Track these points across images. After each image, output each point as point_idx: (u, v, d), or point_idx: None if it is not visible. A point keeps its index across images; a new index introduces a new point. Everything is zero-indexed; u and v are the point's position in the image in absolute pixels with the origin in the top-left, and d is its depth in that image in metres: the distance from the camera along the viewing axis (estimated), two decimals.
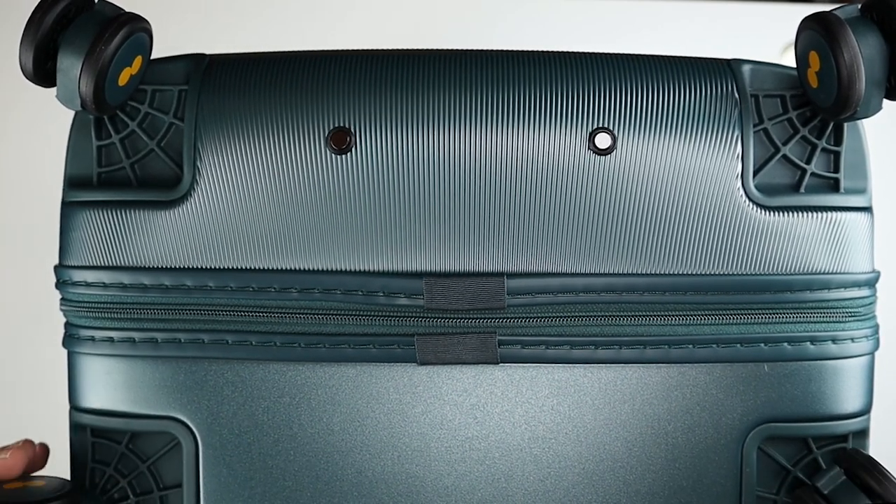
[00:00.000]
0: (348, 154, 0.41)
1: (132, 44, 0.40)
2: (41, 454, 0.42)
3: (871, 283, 0.43)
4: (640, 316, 0.42)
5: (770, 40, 0.75)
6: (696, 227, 0.41)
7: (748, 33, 0.76)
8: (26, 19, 0.38)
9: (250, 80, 0.42)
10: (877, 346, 0.44)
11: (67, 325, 0.43)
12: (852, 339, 0.43)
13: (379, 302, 0.41)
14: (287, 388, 0.42)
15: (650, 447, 0.43)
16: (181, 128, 0.42)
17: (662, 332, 0.42)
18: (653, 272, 0.42)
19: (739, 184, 0.41)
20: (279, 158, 0.41)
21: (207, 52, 0.44)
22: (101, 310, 0.42)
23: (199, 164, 0.41)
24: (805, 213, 0.42)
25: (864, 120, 0.41)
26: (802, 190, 0.42)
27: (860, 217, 0.42)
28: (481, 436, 0.43)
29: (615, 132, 0.41)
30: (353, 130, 0.41)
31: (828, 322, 0.42)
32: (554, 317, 0.42)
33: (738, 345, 0.42)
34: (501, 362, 0.42)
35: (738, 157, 0.41)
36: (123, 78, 0.40)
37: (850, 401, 0.43)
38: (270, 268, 0.42)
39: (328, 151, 0.41)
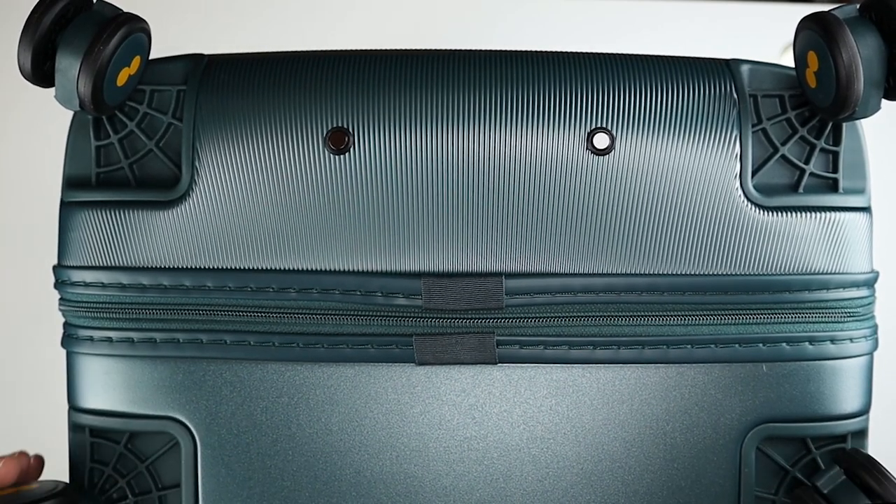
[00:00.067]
0: (347, 154, 0.41)
1: (130, 44, 0.40)
2: (35, 466, 0.42)
3: (870, 284, 0.43)
4: (638, 316, 0.42)
5: (770, 40, 0.75)
6: (694, 227, 0.41)
7: (748, 33, 0.76)
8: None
9: (249, 81, 0.42)
10: (875, 347, 0.44)
11: (66, 325, 0.43)
12: (851, 340, 0.43)
13: (377, 302, 0.41)
14: (285, 388, 0.42)
15: (649, 447, 0.43)
16: (180, 128, 0.42)
17: (661, 333, 0.42)
18: (651, 272, 0.42)
19: (738, 184, 0.41)
20: (278, 158, 0.41)
21: (207, 52, 0.44)
22: (99, 310, 0.42)
23: (197, 164, 0.41)
24: (804, 213, 0.42)
25: (862, 120, 0.41)
26: (801, 190, 0.42)
27: (859, 217, 0.42)
28: (480, 436, 0.43)
29: (613, 132, 0.41)
30: (351, 130, 0.41)
31: (826, 322, 0.42)
32: (552, 317, 0.42)
33: (737, 345, 0.42)
34: (500, 362, 0.42)
35: (736, 157, 0.41)
36: (122, 78, 0.40)
37: (848, 401, 0.43)
38: (269, 268, 0.42)
39: (327, 151, 0.41)
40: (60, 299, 0.43)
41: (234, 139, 0.41)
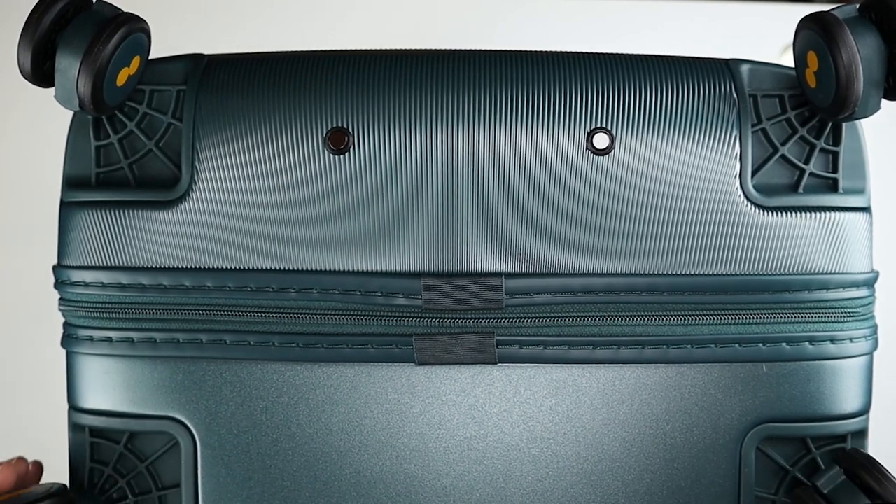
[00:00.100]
0: (347, 154, 0.41)
1: (130, 44, 0.40)
2: (34, 472, 0.42)
3: (870, 283, 0.43)
4: (638, 316, 0.42)
5: (770, 40, 0.75)
6: (694, 227, 0.41)
7: (748, 33, 0.76)
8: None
9: (248, 81, 0.42)
10: (875, 347, 0.44)
11: (66, 325, 0.43)
12: (851, 340, 0.43)
13: (377, 302, 0.41)
14: (285, 387, 0.42)
15: (648, 447, 0.43)
16: (179, 128, 0.42)
17: (661, 332, 0.42)
18: (651, 272, 0.42)
19: (738, 184, 0.41)
20: (278, 159, 0.41)
21: (207, 52, 0.44)
22: (99, 310, 0.42)
23: (197, 164, 0.41)
24: (803, 213, 0.42)
25: (862, 120, 0.41)
26: (801, 190, 0.42)
27: (859, 217, 0.42)
28: (479, 436, 0.43)
29: (613, 132, 0.41)
30: (351, 131, 0.41)
31: (826, 322, 0.42)
32: (552, 317, 0.42)
33: (737, 345, 0.42)
34: (499, 362, 0.42)
35: (736, 156, 0.41)
36: (122, 78, 0.40)
37: (848, 401, 0.43)
38: (268, 268, 0.42)
39: (326, 152, 0.41)
40: (60, 299, 0.43)
41: (233, 139, 0.41)
